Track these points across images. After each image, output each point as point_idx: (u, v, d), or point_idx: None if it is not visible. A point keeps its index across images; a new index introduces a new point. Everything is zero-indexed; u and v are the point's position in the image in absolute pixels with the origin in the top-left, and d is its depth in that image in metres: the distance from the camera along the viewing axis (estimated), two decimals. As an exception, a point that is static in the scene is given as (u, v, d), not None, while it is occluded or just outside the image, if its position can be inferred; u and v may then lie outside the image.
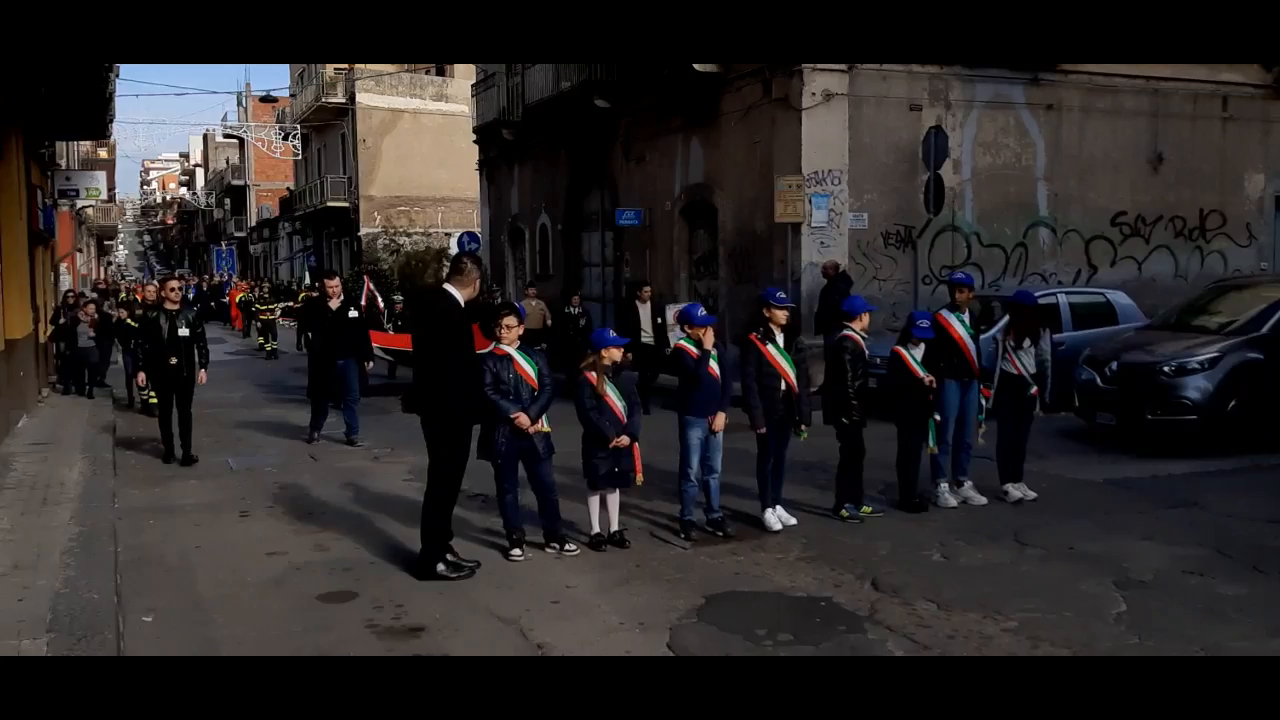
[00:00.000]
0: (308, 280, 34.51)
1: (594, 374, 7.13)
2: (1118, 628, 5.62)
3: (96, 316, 16.48)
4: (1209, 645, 5.28)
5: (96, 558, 6.70)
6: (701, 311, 7.80)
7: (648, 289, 14.80)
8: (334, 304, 11.81)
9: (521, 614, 5.91)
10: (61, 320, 17.03)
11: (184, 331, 10.53)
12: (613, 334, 7.38)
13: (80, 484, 9.06)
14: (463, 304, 6.59)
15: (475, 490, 8.40)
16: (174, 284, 11.27)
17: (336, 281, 12.28)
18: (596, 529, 7.28)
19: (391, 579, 6.61)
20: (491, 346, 7.10)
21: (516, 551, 7.03)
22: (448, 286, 6.68)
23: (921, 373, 8.06)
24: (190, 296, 26.95)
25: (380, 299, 17.77)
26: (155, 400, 11.82)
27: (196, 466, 10.36)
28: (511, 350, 7.05)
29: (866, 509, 7.95)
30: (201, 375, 10.80)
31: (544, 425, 7.06)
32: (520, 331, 7.15)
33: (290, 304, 29.68)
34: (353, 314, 11.98)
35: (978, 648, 5.34)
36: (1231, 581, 6.33)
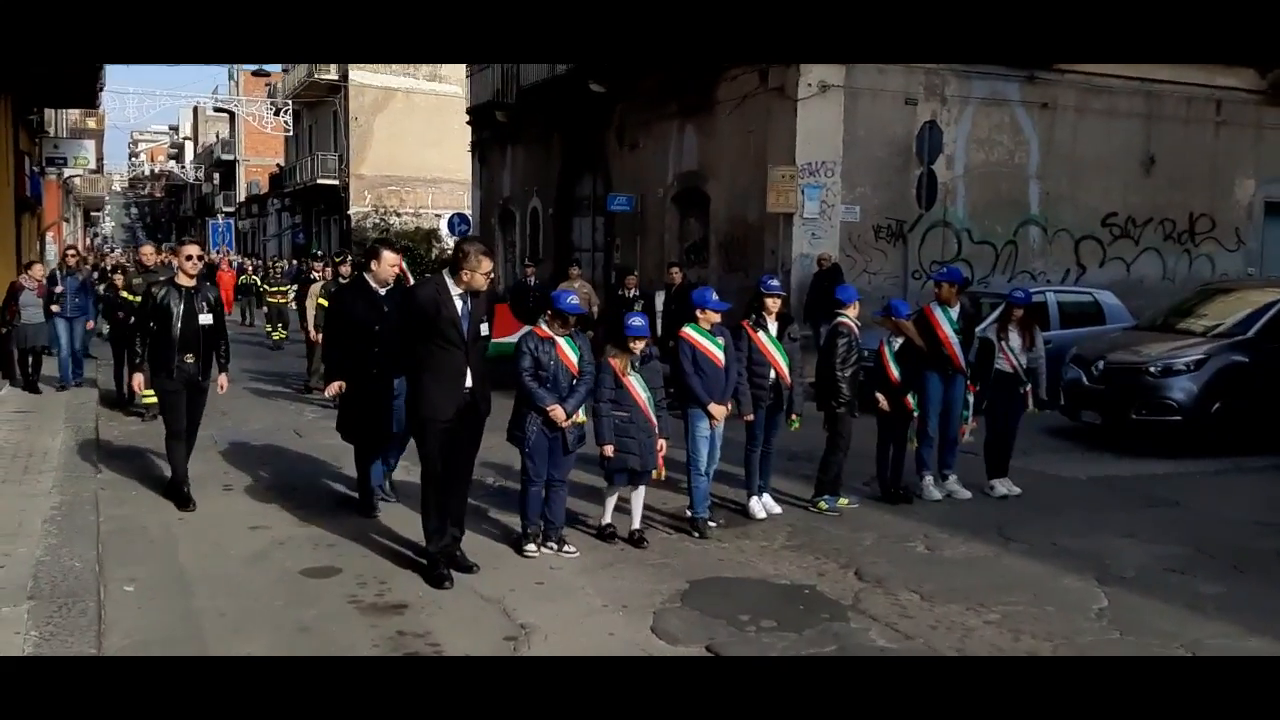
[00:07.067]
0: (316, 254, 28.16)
1: (618, 361, 6.84)
2: (1099, 623, 5.65)
3: (44, 283, 12.98)
4: (1189, 642, 5.31)
5: (78, 527, 6.66)
6: (714, 296, 7.43)
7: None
8: (380, 289, 7.50)
9: (505, 594, 5.90)
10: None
11: (206, 319, 7.66)
12: (637, 322, 6.93)
13: (63, 453, 9.00)
14: (455, 295, 6.02)
15: (499, 482, 8.32)
16: (191, 250, 7.93)
17: (397, 258, 7.83)
18: (608, 520, 7.07)
19: (374, 556, 6.58)
20: (530, 329, 6.76)
21: (531, 547, 6.65)
22: (444, 277, 6.11)
23: (894, 368, 8.05)
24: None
25: (412, 280, 16.45)
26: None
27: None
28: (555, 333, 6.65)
29: (844, 501, 7.95)
30: (222, 381, 8.10)
31: (580, 416, 6.70)
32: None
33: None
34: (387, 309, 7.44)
35: (960, 639, 5.36)
36: (1212, 580, 6.37)
